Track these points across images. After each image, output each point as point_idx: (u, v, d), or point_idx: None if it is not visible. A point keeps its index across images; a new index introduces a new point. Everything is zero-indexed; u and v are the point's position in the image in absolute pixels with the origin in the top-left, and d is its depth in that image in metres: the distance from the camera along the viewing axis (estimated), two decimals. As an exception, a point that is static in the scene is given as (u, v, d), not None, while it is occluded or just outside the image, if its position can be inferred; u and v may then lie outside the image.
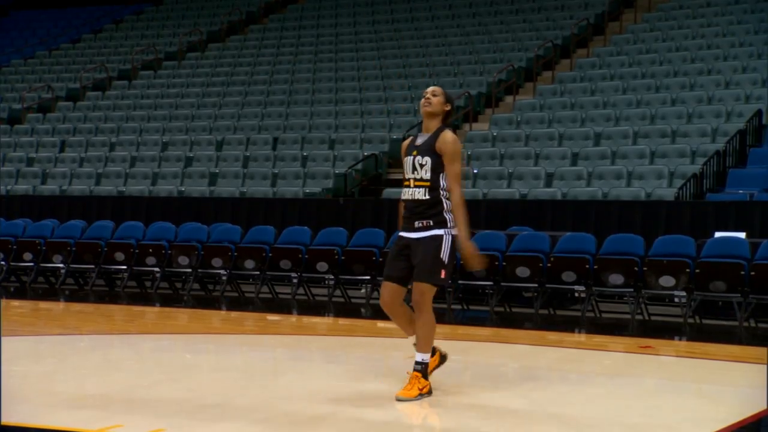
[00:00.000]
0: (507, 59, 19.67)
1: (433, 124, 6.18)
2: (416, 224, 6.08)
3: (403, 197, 6.18)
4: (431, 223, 6.05)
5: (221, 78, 21.99)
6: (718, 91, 15.88)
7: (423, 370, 6.09)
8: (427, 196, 6.05)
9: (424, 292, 6.03)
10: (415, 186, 6.09)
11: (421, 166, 6.07)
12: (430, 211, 6.06)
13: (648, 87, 16.78)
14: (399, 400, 6.01)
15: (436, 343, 6.32)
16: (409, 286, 6.19)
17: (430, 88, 6.25)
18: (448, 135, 6.09)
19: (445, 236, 6.04)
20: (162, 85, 22.39)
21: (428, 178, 6.06)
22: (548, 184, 14.08)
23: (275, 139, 17.76)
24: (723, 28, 18.47)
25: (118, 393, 6.29)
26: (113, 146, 18.86)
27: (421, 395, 6.03)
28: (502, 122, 16.73)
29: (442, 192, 6.06)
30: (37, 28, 29.92)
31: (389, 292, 6.17)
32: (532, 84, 18.87)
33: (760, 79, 15.89)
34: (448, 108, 6.24)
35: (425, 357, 6.10)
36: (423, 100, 6.21)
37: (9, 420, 5.28)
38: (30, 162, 18.76)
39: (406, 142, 6.31)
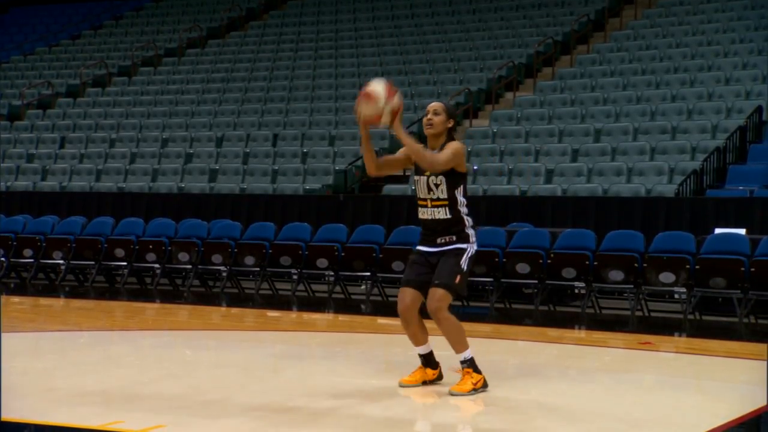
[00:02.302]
0: (507, 55, 19.66)
1: (439, 141, 6.15)
2: (438, 240, 6.09)
3: (421, 216, 6.15)
4: (454, 239, 6.08)
5: (221, 74, 21.98)
6: (719, 88, 15.87)
7: (471, 364, 6.08)
8: (449, 215, 6.05)
9: (441, 297, 5.99)
10: (434, 206, 6.07)
11: (437, 186, 6.05)
12: (453, 228, 6.07)
13: (648, 83, 16.77)
14: (452, 394, 6.02)
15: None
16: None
17: (431, 107, 6.18)
18: (452, 145, 6.05)
19: (468, 248, 6.08)
20: (162, 82, 22.38)
21: (445, 197, 6.04)
22: (548, 181, 14.08)
23: (275, 136, 17.76)
24: (723, 25, 18.46)
25: (118, 389, 6.29)
26: (113, 142, 18.86)
27: (475, 390, 6.04)
28: (502, 118, 16.72)
29: (461, 209, 6.06)
30: (36, 25, 29.89)
31: (409, 297, 6.12)
32: (532, 80, 18.86)
33: (760, 76, 15.87)
34: (451, 124, 6.20)
35: (466, 355, 6.09)
36: (425, 120, 6.16)
37: (9, 416, 5.28)
38: (30, 158, 18.76)
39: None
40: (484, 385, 6.11)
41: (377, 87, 5.89)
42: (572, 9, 21.54)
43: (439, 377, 6.35)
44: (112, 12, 29.30)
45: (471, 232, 6.12)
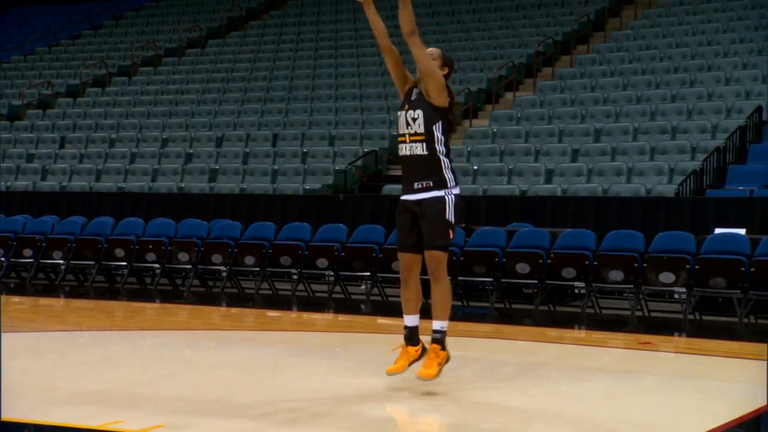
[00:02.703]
0: (507, 56, 19.66)
1: None
2: (416, 185, 6.02)
3: (399, 154, 6.11)
4: (431, 184, 6.00)
5: (221, 74, 21.98)
6: (719, 88, 15.87)
7: (441, 339, 6.05)
8: (425, 151, 5.99)
9: (438, 260, 5.98)
10: (412, 141, 6.02)
11: (414, 120, 6.02)
12: (429, 169, 5.99)
13: (648, 83, 16.77)
14: (421, 380, 5.99)
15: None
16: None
17: (428, 50, 6.15)
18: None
19: (447, 197, 6.01)
20: (162, 82, 22.38)
21: (422, 131, 6.00)
22: (548, 181, 14.08)
23: (275, 136, 17.76)
24: (723, 25, 18.46)
25: (118, 389, 6.29)
26: (113, 142, 18.86)
27: (440, 369, 6.01)
28: (502, 118, 16.72)
29: (439, 147, 6.00)
30: (36, 24, 29.90)
31: (408, 259, 6.11)
32: (532, 80, 18.86)
33: (760, 76, 15.88)
34: (446, 71, 6.14)
35: (444, 324, 6.06)
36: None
37: (9, 416, 5.28)
38: (30, 158, 18.76)
39: (412, 79, 6.25)
40: (448, 359, 6.09)
41: None
42: (572, 9, 21.54)
43: (423, 353, 6.22)
44: (112, 12, 29.30)
45: (449, 175, 6.04)
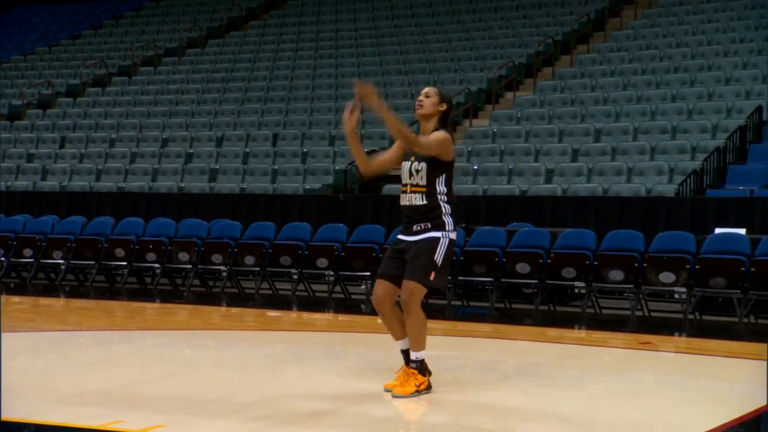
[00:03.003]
0: (507, 55, 19.66)
1: (429, 127, 6.08)
2: (414, 228, 6.02)
3: (401, 202, 6.12)
4: (429, 226, 5.99)
5: (221, 74, 21.98)
6: (719, 87, 15.87)
7: (419, 367, 6.03)
8: (425, 201, 5.99)
9: (413, 291, 5.95)
10: (412, 192, 6.02)
11: (417, 172, 6.00)
12: (429, 215, 5.99)
13: (648, 83, 16.77)
14: (396, 396, 5.98)
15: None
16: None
17: (424, 90, 6.13)
18: (436, 133, 6.00)
19: (442, 239, 5.98)
20: (162, 82, 22.38)
21: (424, 183, 5.99)
22: (548, 180, 14.08)
23: (275, 135, 17.76)
24: (723, 24, 18.46)
25: (119, 389, 6.29)
26: (113, 142, 18.86)
27: (418, 392, 5.99)
28: (502, 118, 16.72)
29: (439, 196, 6.00)
30: (36, 24, 29.89)
31: (382, 289, 6.06)
32: (533, 80, 18.86)
33: (760, 76, 15.88)
34: (444, 108, 6.10)
35: (419, 355, 6.03)
36: (416, 102, 6.13)
37: (9, 416, 5.28)
38: (30, 158, 18.76)
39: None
40: (428, 388, 6.07)
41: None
42: (572, 9, 21.54)
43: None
44: (112, 12, 29.31)
45: (448, 219, 6.02)
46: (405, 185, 6.08)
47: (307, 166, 16.07)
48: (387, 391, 6.12)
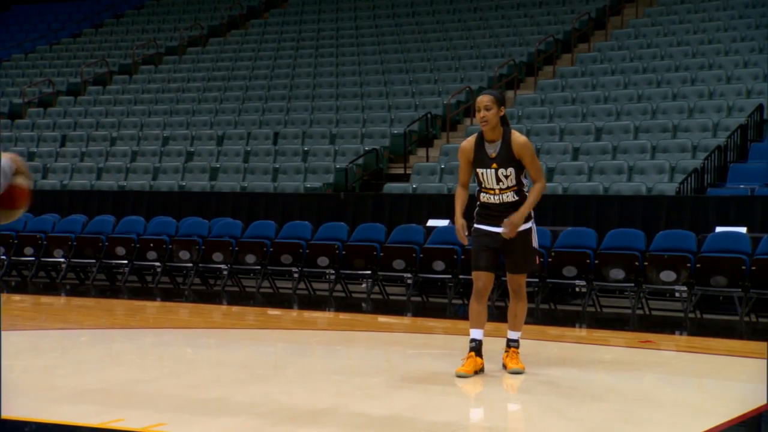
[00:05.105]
0: (508, 54, 19.66)
1: (496, 132, 6.49)
2: (506, 221, 6.49)
3: (485, 201, 6.54)
4: None
5: (222, 73, 21.98)
6: (719, 86, 15.86)
7: (517, 345, 6.75)
8: (517, 198, 6.54)
9: (522, 282, 6.70)
10: (501, 192, 6.52)
11: (506, 177, 6.48)
12: (517, 208, 6.49)
13: (649, 82, 16.76)
14: (515, 372, 6.58)
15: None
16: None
17: (481, 102, 6.50)
18: (519, 138, 6.51)
19: (532, 227, 6.64)
20: (163, 80, 22.38)
21: (514, 184, 6.54)
22: (549, 179, 14.05)
23: (276, 134, 17.76)
24: (724, 23, 18.46)
25: (119, 387, 6.30)
26: (114, 141, 18.87)
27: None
28: (503, 117, 16.68)
29: (525, 190, 6.55)
30: (37, 23, 29.89)
31: (485, 279, 6.56)
32: (533, 79, 18.86)
33: (761, 74, 15.87)
34: (503, 112, 6.54)
35: (520, 334, 6.77)
36: (479, 117, 6.47)
37: (9, 414, 5.29)
38: (31, 156, 18.75)
39: (470, 147, 6.57)
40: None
41: None
42: (573, 7, 21.53)
43: (482, 369, 6.61)
44: (113, 10, 29.30)
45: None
46: (492, 189, 6.52)
47: (308, 164, 16.07)
48: (460, 376, 6.43)
